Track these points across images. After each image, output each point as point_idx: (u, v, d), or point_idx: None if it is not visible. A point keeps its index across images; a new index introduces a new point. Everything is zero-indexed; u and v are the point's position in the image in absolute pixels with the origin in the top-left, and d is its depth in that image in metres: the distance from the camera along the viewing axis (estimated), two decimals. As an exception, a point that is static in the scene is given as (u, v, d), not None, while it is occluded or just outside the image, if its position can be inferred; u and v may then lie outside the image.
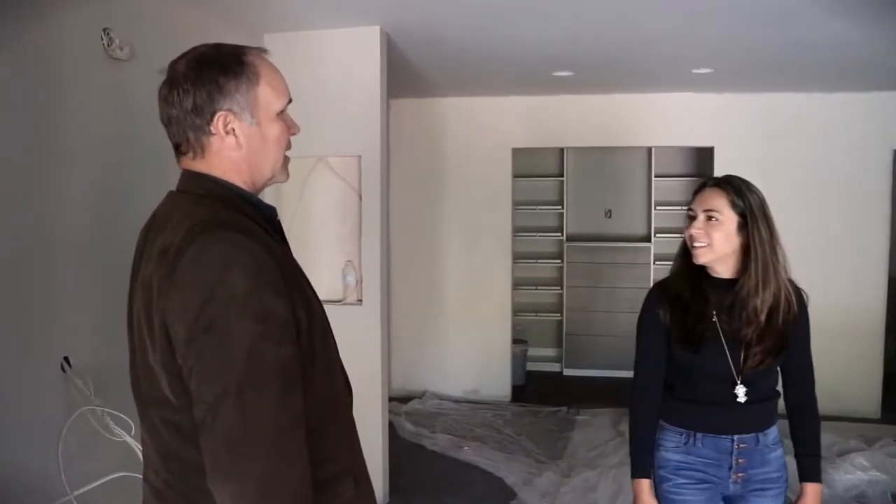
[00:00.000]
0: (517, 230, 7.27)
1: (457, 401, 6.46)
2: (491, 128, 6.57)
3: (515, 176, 6.91)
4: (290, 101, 1.47)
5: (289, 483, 1.23)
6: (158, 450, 1.39)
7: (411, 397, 6.49)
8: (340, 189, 4.38)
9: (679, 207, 7.18)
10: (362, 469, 1.52)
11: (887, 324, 6.12)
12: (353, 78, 4.20)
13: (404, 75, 5.38)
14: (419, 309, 6.81)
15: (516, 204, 7.16)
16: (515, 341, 7.00)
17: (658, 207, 7.28)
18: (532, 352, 7.50)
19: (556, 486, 4.62)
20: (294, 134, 1.49)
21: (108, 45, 2.88)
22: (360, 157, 4.26)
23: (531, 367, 7.46)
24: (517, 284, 7.35)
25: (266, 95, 1.41)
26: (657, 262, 7.24)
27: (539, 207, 7.57)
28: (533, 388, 7.06)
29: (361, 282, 4.28)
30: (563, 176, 7.53)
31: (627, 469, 2.35)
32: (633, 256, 7.34)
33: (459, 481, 4.82)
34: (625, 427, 5.41)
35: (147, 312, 1.32)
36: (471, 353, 6.71)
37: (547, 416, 6.02)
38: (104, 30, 2.85)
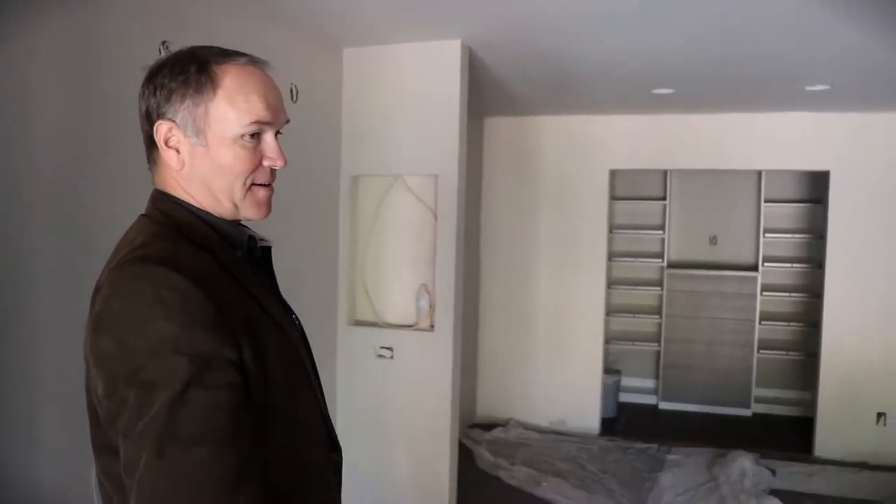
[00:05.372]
0: (615, 255, 7.01)
1: (542, 431, 6.17)
2: (588, 148, 6.26)
3: (614, 198, 6.64)
4: (268, 123, 1.25)
5: None
6: None
7: (496, 424, 6.25)
8: (417, 209, 4.23)
9: (790, 235, 6.73)
10: None
11: None
12: (433, 94, 4.03)
13: (495, 92, 5.20)
14: (508, 334, 6.56)
15: (615, 228, 6.92)
16: (608, 371, 6.68)
17: (767, 234, 6.77)
18: (627, 382, 7.15)
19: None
20: (276, 167, 1.28)
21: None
22: (436, 176, 4.09)
23: (625, 398, 7.12)
24: (613, 311, 7.06)
25: (220, 112, 1.21)
26: (764, 293, 6.76)
27: (639, 231, 7.19)
28: (625, 422, 6.68)
29: (434, 307, 4.10)
30: (665, 199, 7.14)
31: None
32: (739, 286, 6.82)
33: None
34: (719, 470, 5.06)
35: (84, 355, 1.17)
36: (560, 381, 6.39)
37: (636, 453, 5.63)
38: (163, 42, 2.79)
